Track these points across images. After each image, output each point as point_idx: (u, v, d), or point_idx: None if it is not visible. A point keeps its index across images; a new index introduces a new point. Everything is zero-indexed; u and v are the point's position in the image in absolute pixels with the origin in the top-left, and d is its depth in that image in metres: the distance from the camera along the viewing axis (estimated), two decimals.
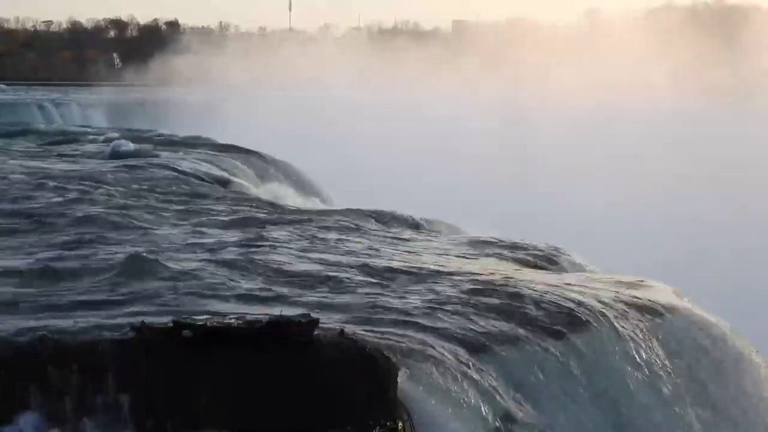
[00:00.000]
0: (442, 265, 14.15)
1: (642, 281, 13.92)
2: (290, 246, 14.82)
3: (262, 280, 12.60)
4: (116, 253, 13.83)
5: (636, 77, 64.91)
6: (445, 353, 10.24)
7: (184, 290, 11.72)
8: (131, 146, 31.14)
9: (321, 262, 13.90)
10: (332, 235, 16.11)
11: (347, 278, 12.89)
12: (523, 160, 49.03)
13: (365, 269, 13.55)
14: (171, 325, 9.39)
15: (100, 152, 30.45)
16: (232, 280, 12.44)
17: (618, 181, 44.44)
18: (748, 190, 42.91)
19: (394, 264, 14.04)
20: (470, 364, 10.25)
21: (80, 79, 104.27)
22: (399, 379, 9.38)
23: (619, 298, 12.67)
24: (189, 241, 15.04)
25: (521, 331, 11.19)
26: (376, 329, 10.47)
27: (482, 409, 9.78)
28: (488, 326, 11.15)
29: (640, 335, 11.97)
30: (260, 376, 9.06)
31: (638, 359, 11.64)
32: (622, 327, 11.96)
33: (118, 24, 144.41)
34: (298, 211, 19.32)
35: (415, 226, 19.09)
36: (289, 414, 8.97)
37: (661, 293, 13.37)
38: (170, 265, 12.93)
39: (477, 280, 13.21)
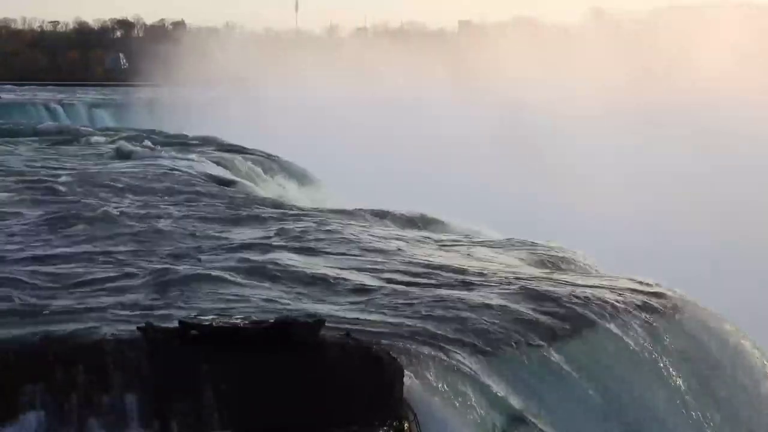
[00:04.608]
0: (448, 265, 14.13)
1: (650, 282, 13.89)
2: (295, 246, 14.82)
3: (267, 280, 12.60)
4: (121, 253, 13.86)
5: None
6: (452, 354, 10.23)
7: (190, 290, 11.73)
8: (137, 146, 31.20)
9: (326, 262, 13.90)
10: (337, 236, 16.10)
11: (353, 278, 12.89)
12: (526, 159, 48.91)
13: (370, 269, 13.55)
14: (177, 325, 9.40)
15: (105, 152, 30.50)
16: (237, 280, 12.44)
17: (632, 183, 44.22)
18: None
19: (400, 264, 14.03)
20: (477, 364, 10.24)
21: (87, 79, 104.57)
22: (405, 380, 9.37)
23: (629, 299, 12.64)
24: (193, 241, 15.05)
25: (529, 333, 11.17)
26: (382, 330, 10.47)
27: (488, 409, 9.77)
28: (495, 327, 11.13)
29: (649, 335, 11.96)
30: (266, 377, 9.06)
31: (646, 360, 11.62)
32: (632, 327, 11.94)
33: (125, 24, 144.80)
34: (304, 211, 19.32)
35: (420, 225, 19.08)
36: (295, 414, 8.98)
37: (669, 294, 13.35)
38: (176, 264, 12.96)
39: (483, 280, 13.20)
